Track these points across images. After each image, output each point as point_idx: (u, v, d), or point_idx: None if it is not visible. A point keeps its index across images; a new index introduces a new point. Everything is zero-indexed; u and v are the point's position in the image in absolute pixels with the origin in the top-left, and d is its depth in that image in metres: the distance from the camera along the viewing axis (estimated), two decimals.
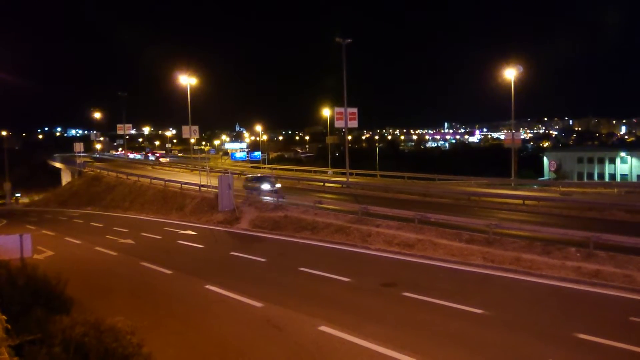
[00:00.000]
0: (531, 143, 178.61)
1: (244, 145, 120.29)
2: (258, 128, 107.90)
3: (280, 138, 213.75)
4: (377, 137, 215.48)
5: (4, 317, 5.32)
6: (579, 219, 23.11)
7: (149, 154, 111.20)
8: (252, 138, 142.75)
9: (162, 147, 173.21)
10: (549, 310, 12.36)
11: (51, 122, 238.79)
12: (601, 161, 74.78)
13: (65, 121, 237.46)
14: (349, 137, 56.87)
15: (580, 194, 32.94)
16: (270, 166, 71.81)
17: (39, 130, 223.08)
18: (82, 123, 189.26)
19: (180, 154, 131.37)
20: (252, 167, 73.49)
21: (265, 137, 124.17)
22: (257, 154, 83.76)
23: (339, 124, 42.13)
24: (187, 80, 45.26)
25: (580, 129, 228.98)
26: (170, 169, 67.26)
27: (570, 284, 14.32)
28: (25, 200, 78.92)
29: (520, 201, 28.20)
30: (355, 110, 41.76)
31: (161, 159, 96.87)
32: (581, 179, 70.61)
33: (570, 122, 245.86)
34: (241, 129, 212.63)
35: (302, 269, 17.26)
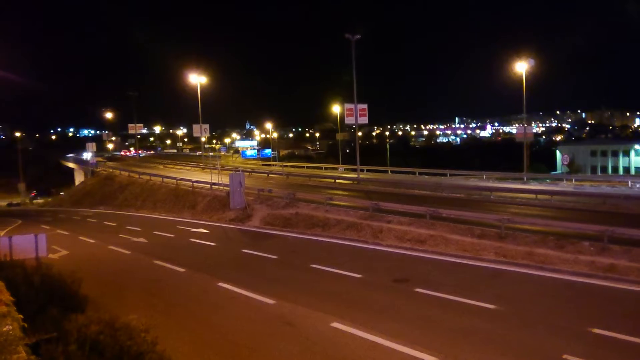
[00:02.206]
0: (543, 137, 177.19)
1: (254, 143, 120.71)
2: (268, 126, 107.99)
3: (291, 135, 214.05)
4: (387, 133, 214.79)
5: (20, 316, 5.41)
6: (593, 212, 22.87)
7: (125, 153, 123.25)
8: (263, 136, 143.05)
9: (173, 145, 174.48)
10: (563, 305, 12.28)
11: (64, 122, 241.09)
12: (615, 154, 73.94)
13: (77, 121, 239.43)
14: (359, 134, 56.86)
15: (594, 187, 32.62)
16: (280, 164, 71.90)
17: (51, 131, 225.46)
18: (94, 123, 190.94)
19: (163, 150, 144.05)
20: (263, 164, 73.65)
21: (275, 135, 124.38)
22: (268, 151, 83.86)
23: (349, 120, 42.08)
24: (197, 79, 45.50)
25: (593, 121, 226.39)
26: (182, 167, 67.63)
27: (584, 278, 14.20)
28: (40, 200, 79.82)
29: (533, 195, 27.99)
30: (365, 106, 41.67)
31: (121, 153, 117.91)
32: (595, 172, 69.85)
33: (583, 115, 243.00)
34: (251, 127, 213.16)
35: (313, 265, 17.30)
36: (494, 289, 13.77)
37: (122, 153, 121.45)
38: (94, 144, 71.35)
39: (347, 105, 41.86)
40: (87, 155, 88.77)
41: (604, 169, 72.39)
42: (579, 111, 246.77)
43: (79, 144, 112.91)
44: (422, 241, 19.44)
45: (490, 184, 36.39)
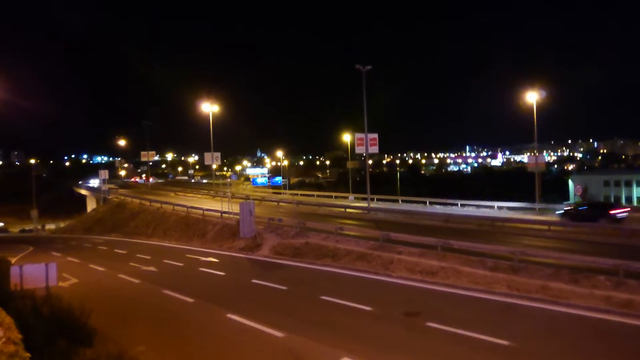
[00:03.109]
0: (555, 166, 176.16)
1: (265, 170, 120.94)
2: (279, 153, 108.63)
3: (301, 163, 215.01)
4: (398, 161, 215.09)
5: (27, 354, 5.37)
6: (607, 245, 22.50)
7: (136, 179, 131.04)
8: (273, 163, 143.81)
9: (184, 172, 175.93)
10: (579, 342, 11.98)
11: (77, 149, 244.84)
12: (628, 184, 73.05)
13: (91, 148, 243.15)
14: (370, 162, 56.89)
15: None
16: (291, 192, 71.98)
17: (65, 158, 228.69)
18: (108, 150, 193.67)
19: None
20: (273, 192, 73.80)
21: (286, 163, 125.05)
22: (278, 179, 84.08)
23: (359, 149, 42.20)
24: (209, 108, 46.06)
25: (605, 151, 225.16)
26: (193, 195, 67.95)
27: (600, 314, 13.88)
28: (51, 226, 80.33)
29: (546, 227, 27.66)
30: (375, 135, 41.79)
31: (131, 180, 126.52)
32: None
33: (595, 144, 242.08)
34: (262, 155, 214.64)
35: (323, 297, 17.10)
36: (507, 324, 13.49)
37: (133, 180, 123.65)
38: (106, 171, 72.01)
39: (358, 135, 42.04)
40: (94, 183, 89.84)
41: (618, 200, 71.44)
42: (591, 140, 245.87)
43: (92, 171, 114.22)
44: (434, 273, 19.20)
45: (502, 214, 36.08)
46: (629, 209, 30.78)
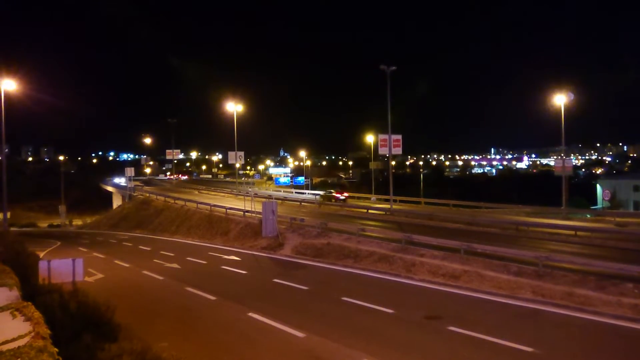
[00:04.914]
0: (583, 170, 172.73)
1: (287, 170, 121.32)
2: (302, 153, 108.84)
3: (324, 163, 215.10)
4: (421, 163, 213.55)
5: (55, 349, 5.50)
6: (637, 252, 21.97)
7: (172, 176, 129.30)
8: (296, 163, 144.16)
9: (208, 171, 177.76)
10: (605, 350, 11.73)
11: (105, 146, 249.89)
12: None
13: (118, 146, 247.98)
14: (393, 163, 56.61)
15: (638, 225, 31.41)
16: (313, 192, 72.07)
17: (93, 154, 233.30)
18: (134, 147, 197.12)
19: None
20: (296, 192, 74.00)
21: (308, 162, 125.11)
22: (301, 179, 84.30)
23: (383, 151, 42.00)
24: (233, 108, 46.47)
25: (635, 155, 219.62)
26: (216, 193, 68.60)
27: (628, 322, 13.55)
28: (78, 222, 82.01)
29: (572, 232, 27.11)
30: (399, 137, 41.55)
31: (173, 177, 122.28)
32: (637, 208, 67.26)
33: (625, 147, 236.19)
34: (285, 154, 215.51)
35: (344, 298, 17.08)
36: (531, 330, 13.27)
37: (167, 177, 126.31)
38: (132, 168, 73.31)
39: (381, 136, 41.85)
40: (119, 180, 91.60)
41: None
42: (620, 144, 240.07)
43: (119, 168, 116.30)
44: (456, 277, 19.01)
45: (526, 218, 35.53)
46: (347, 194, 56.00)
